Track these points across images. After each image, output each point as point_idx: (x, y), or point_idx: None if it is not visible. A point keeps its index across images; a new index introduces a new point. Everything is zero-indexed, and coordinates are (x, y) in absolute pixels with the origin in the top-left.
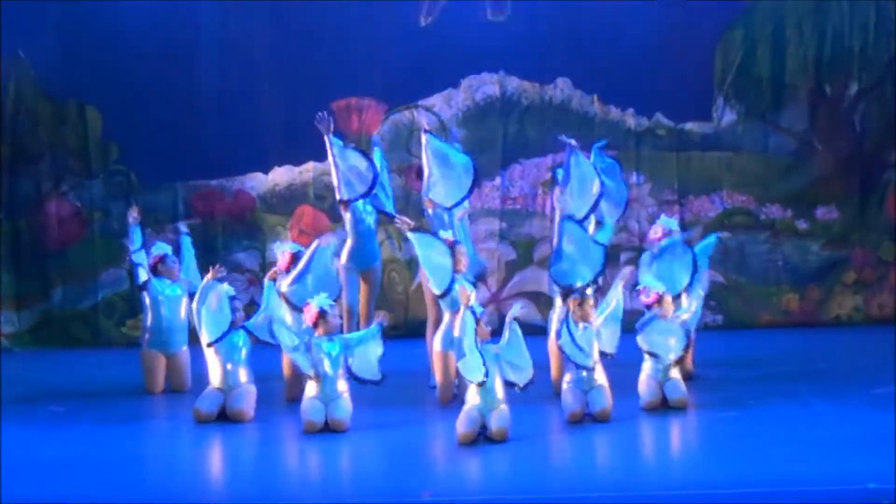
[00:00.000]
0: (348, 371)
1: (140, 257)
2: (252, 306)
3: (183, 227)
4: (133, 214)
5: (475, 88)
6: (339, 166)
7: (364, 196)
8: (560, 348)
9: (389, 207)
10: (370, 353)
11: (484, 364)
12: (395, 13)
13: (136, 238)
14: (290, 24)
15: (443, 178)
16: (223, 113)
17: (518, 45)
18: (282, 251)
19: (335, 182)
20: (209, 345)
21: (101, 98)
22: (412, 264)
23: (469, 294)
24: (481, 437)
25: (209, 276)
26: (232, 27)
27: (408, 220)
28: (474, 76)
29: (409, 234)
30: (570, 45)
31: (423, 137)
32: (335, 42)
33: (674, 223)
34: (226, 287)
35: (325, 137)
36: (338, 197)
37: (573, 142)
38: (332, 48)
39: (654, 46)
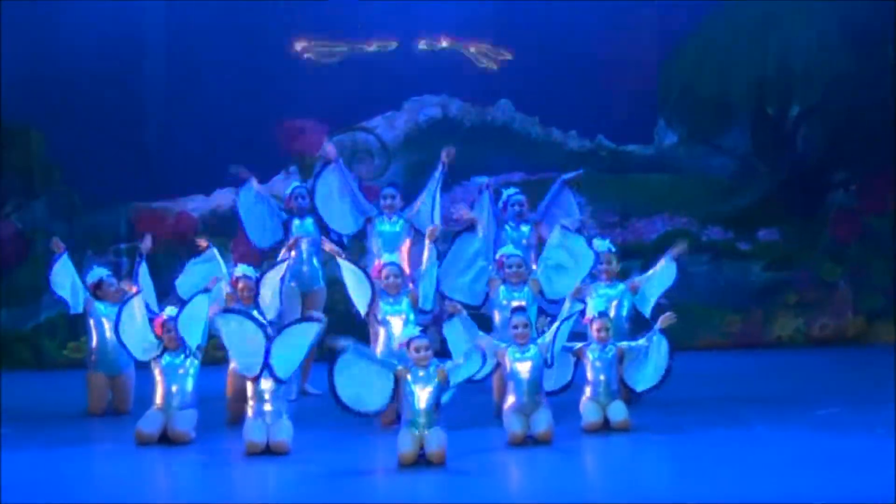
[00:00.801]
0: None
1: (63, 288)
2: None
3: (141, 250)
4: (57, 244)
5: (417, 110)
6: (244, 217)
7: (272, 246)
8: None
9: (338, 227)
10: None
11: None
12: (339, 36)
13: (60, 269)
14: (234, 47)
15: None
16: (166, 135)
17: (460, 68)
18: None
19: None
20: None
21: (43, 120)
22: None
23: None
24: (422, 458)
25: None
26: (176, 50)
27: (335, 249)
28: (416, 98)
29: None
30: (513, 68)
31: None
32: (278, 65)
33: (605, 244)
34: (169, 309)
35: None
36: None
37: (487, 181)
38: (275, 71)
39: (596, 69)
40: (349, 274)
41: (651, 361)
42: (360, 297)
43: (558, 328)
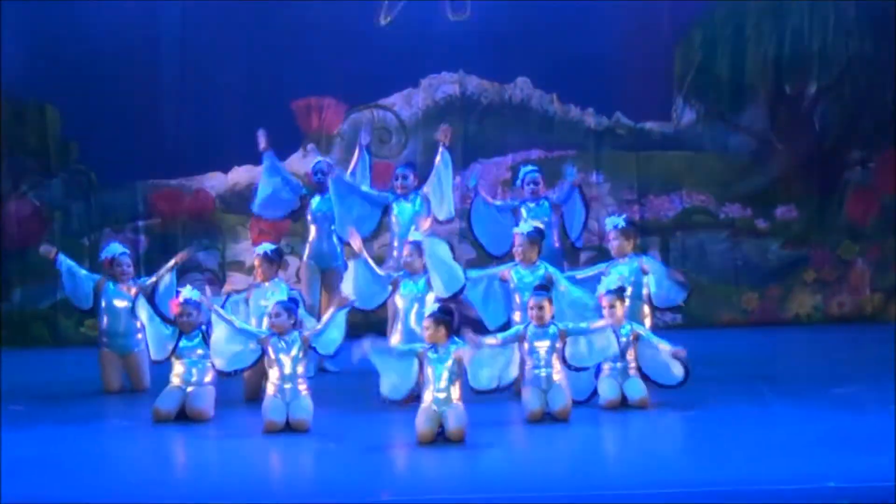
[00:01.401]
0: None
1: (69, 289)
2: None
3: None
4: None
5: (435, 88)
6: (263, 183)
7: (277, 217)
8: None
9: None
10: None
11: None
12: (355, 12)
13: (65, 273)
14: (250, 24)
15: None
16: (183, 112)
17: (478, 45)
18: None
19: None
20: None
21: (60, 97)
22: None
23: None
24: (440, 437)
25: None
26: (192, 26)
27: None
28: (434, 75)
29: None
30: (530, 45)
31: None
32: (295, 41)
33: (614, 221)
34: (188, 290)
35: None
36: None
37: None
38: (293, 47)
39: (614, 46)
40: (365, 273)
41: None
42: (367, 295)
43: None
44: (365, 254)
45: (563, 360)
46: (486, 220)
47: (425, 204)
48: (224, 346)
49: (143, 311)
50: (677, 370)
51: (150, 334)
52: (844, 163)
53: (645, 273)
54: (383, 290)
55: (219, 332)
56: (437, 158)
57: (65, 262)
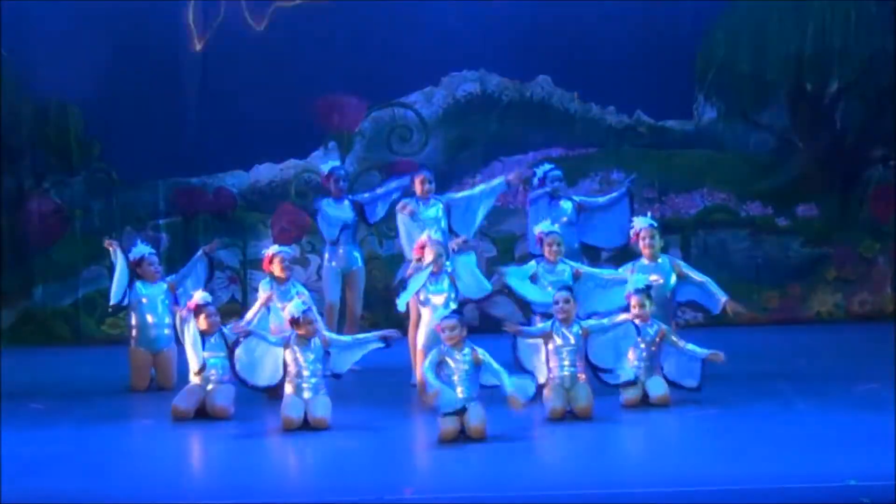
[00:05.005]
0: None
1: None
2: (231, 303)
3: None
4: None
5: (456, 86)
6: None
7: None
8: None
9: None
10: (350, 355)
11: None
12: (377, 11)
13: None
14: (272, 22)
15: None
16: (204, 110)
17: (499, 43)
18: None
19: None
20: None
21: (82, 96)
22: (393, 261)
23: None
24: (461, 434)
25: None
26: (214, 25)
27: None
28: (455, 73)
29: None
30: (551, 43)
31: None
32: (316, 39)
33: (646, 221)
34: (200, 294)
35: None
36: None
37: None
38: (314, 45)
39: (635, 44)
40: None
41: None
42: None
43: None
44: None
45: (587, 359)
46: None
47: (443, 210)
48: (252, 360)
49: (120, 260)
50: (696, 370)
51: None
52: (866, 160)
53: (680, 277)
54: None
55: (248, 347)
56: (490, 185)
57: (120, 257)
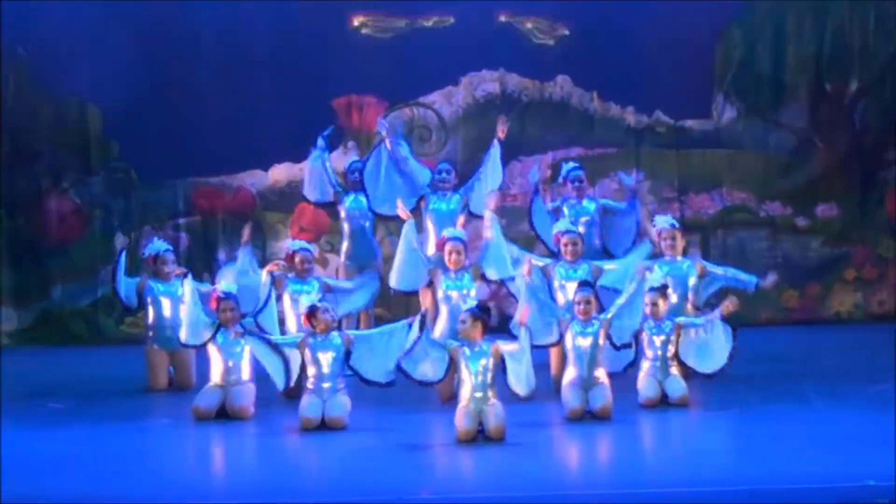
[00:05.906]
0: (350, 367)
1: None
2: None
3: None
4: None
5: (475, 86)
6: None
7: (320, 204)
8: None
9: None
10: (384, 351)
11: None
12: (397, 10)
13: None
14: (290, 21)
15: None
16: (223, 110)
17: (518, 43)
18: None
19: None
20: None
21: (101, 95)
22: None
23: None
24: (481, 435)
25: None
26: (232, 24)
27: (407, 212)
28: (474, 73)
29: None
30: (570, 43)
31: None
32: (336, 39)
33: (668, 220)
34: (224, 283)
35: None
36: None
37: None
38: (333, 45)
39: (653, 43)
40: (410, 250)
41: (711, 344)
42: (405, 274)
43: (621, 306)
44: (412, 228)
45: (608, 338)
46: (545, 218)
47: (461, 203)
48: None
49: (189, 290)
50: (720, 356)
51: (187, 315)
52: (885, 160)
53: (702, 276)
54: (421, 275)
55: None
56: (492, 149)
57: (122, 260)
